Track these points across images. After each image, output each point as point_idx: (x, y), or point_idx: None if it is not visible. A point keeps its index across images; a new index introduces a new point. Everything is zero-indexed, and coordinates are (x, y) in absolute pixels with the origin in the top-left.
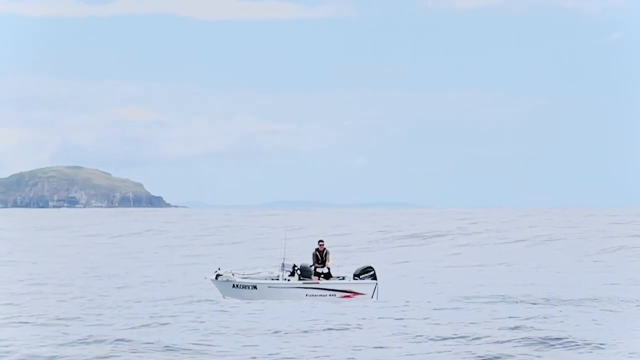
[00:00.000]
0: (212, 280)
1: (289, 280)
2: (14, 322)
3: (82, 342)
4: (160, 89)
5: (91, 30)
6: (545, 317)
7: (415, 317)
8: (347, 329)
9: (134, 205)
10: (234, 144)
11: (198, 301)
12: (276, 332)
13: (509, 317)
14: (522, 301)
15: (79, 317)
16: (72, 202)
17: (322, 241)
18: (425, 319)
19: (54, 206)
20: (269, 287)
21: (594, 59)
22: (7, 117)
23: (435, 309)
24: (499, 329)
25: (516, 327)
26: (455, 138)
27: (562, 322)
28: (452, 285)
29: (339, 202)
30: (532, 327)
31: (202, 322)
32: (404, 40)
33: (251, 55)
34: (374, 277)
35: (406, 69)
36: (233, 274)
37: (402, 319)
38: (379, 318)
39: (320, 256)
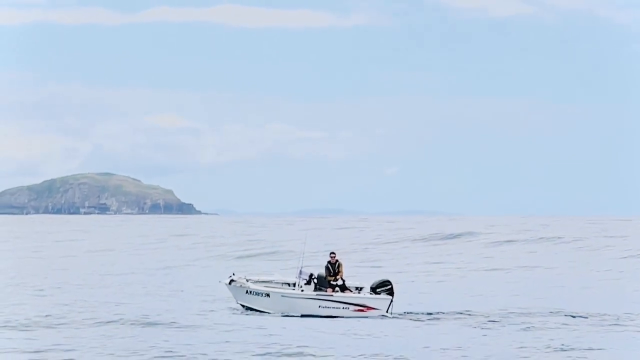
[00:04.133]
0: (226, 284)
1: (302, 289)
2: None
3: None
4: (192, 97)
5: (123, 39)
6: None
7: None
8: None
9: (165, 212)
10: (265, 152)
11: (211, 311)
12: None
13: (531, 338)
14: (551, 312)
15: (114, 320)
16: (103, 209)
17: (333, 253)
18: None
19: (84, 213)
20: (282, 296)
21: (622, 68)
22: (39, 124)
23: (461, 326)
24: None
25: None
26: (487, 146)
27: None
28: (486, 297)
29: (370, 210)
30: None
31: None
32: (436, 49)
33: (284, 63)
34: (390, 291)
35: (438, 77)
36: (247, 280)
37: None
38: (386, 334)
39: (333, 268)
